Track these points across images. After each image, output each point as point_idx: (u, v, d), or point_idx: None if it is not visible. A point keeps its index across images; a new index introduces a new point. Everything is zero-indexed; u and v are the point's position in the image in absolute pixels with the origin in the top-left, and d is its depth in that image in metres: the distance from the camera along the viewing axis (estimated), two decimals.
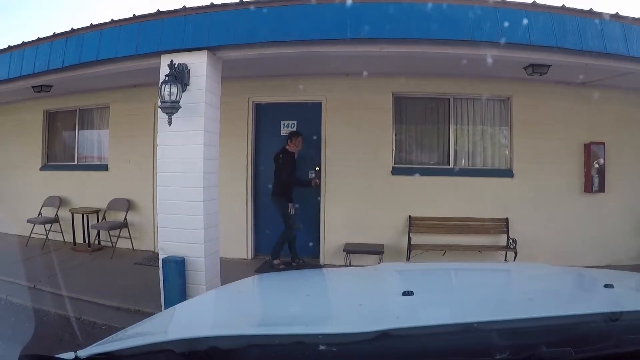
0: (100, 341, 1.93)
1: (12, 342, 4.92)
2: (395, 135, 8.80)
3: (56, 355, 1.62)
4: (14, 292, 6.87)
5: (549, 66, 6.68)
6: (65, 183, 10.65)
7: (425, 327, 1.63)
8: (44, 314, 6.13)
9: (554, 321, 1.63)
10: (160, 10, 6.23)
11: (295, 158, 8.38)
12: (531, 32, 5.66)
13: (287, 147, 8.29)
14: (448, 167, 8.74)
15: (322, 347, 1.52)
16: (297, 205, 8.49)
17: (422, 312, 1.98)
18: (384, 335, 1.49)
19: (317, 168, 8.88)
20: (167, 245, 6.10)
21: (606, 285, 2.08)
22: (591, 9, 5.86)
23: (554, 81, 7.94)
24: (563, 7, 5.82)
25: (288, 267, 8.25)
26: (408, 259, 8.12)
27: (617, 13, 5.92)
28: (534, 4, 5.79)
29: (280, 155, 8.26)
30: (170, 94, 5.63)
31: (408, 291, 2.03)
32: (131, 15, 6.40)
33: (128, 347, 1.69)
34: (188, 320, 2.29)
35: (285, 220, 8.34)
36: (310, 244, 8.85)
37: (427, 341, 1.57)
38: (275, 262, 8.31)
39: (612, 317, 1.58)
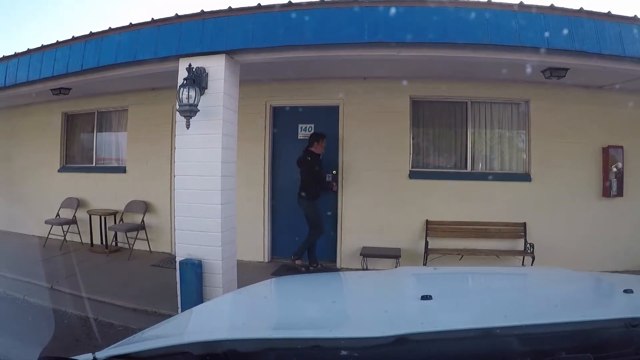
0: (118, 343, 1.94)
1: (29, 342, 4.97)
2: (412, 139, 8.77)
3: (74, 357, 1.64)
4: (31, 292, 6.94)
5: (567, 69, 6.64)
6: (83, 185, 10.73)
7: (444, 332, 1.63)
8: (62, 315, 6.17)
9: (573, 326, 1.63)
10: (179, 14, 6.25)
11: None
12: (549, 35, 5.62)
13: (312, 148, 8.23)
14: (465, 171, 8.70)
15: (340, 351, 1.52)
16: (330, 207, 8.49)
17: (440, 317, 1.98)
18: (402, 339, 1.49)
19: (335, 172, 8.86)
20: (187, 248, 6.13)
21: (625, 291, 2.06)
22: (609, 12, 5.82)
23: (572, 84, 7.87)
24: (581, 10, 5.77)
25: (307, 270, 8.21)
26: (425, 263, 8.09)
27: (635, 16, 5.87)
28: (551, 7, 5.75)
29: (309, 158, 8.18)
30: (188, 98, 5.66)
31: (426, 295, 2.03)
32: (149, 19, 6.43)
33: (146, 349, 1.71)
34: (205, 323, 2.30)
35: (314, 223, 8.27)
36: (328, 247, 8.85)
37: (446, 346, 1.57)
38: (298, 262, 8.27)
39: (632, 323, 1.57)
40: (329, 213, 8.78)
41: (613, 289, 2.57)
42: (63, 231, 10.08)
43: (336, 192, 8.80)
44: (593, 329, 1.63)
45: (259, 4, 5.95)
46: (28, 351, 4.71)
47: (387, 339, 1.49)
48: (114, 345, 1.91)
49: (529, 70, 6.79)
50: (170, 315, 5.55)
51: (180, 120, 5.90)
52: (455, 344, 1.57)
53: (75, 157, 11.34)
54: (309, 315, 2.17)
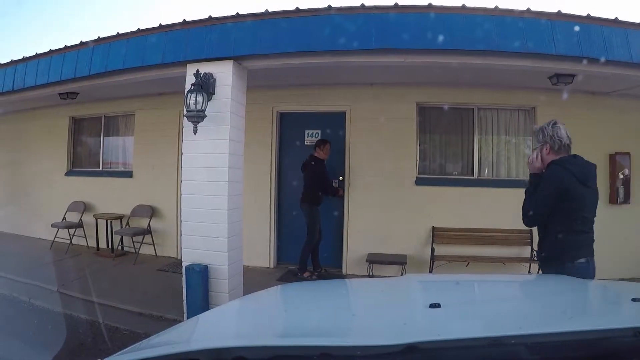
0: (125, 349, 1.94)
1: (34, 345, 4.98)
2: (419, 145, 8.76)
3: None
4: (37, 295, 6.96)
5: (573, 76, 6.62)
6: (90, 189, 10.78)
7: (454, 341, 1.62)
8: (67, 318, 6.17)
9: (581, 335, 1.61)
10: (186, 19, 6.27)
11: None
12: (556, 42, 5.61)
13: (316, 154, 8.25)
14: (472, 177, 8.68)
15: (349, 359, 1.52)
16: (336, 213, 8.47)
17: (450, 325, 1.96)
18: (411, 348, 1.48)
19: (341, 178, 8.88)
20: (193, 253, 6.14)
21: (634, 299, 2.05)
22: (616, 18, 5.80)
23: (580, 91, 7.86)
24: (588, 17, 5.77)
25: (318, 277, 8.23)
26: (431, 270, 8.06)
27: None
28: (559, 14, 5.74)
29: (312, 163, 8.20)
30: (196, 103, 5.67)
31: (435, 303, 2.02)
32: (157, 25, 6.45)
33: (154, 357, 1.71)
34: (213, 330, 2.29)
35: (311, 229, 8.26)
36: (333, 253, 8.85)
37: (456, 354, 1.55)
38: (305, 274, 8.24)
39: None
40: (335, 219, 8.78)
41: (621, 297, 2.56)
42: (69, 235, 10.13)
43: (342, 198, 8.80)
44: (602, 338, 1.61)
45: (267, 10, 5.95)
46: (33, 354, 4.73)
47: (397, 347, 1.48)
48: (121, 352, 1.91)
49: (535, 76, 6.79)
50: (176, 320, 5.57)
51: (187, 125, 5.91)
52: (465, 353, 1.55)
53: (82, 161, 11.39)
54: (317, 323, 2.15)
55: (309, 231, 8.27)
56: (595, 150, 8.23)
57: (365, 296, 2.88)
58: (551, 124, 4.31)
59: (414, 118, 8.64)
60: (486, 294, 2.92)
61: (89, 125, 11.35)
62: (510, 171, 8.81)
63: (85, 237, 10.44)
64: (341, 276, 8.54)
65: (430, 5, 5.74)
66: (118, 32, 6.73)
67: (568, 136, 4.27)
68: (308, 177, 8.29)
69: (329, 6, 5.83)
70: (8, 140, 12.24)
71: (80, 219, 10.46)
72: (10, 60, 8.12)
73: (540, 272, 4.45)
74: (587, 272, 3.84)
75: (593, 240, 4.26)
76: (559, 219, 4.03)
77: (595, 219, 4.15)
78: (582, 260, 3.99)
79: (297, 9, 5.87)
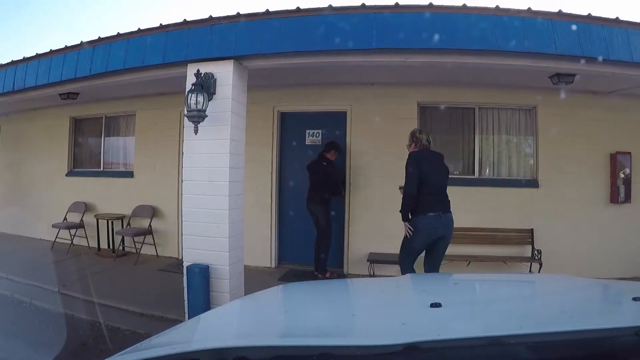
0: (126, 350, 1.93)
1: (35, 346, 4.98)
2: None
3: None
4: (38, 296, 6.95)
5: (574, 75, 6.61)
6: (91, 189, 10.79)
7: (455, 340, 1.61)
8: (68, 318, 6.17)
9: (581, 335, 1.60)
10: (187, 19, 6.26)
11: None
12: (557, 41, 5.60)
13: (327, 154, 8.19)
14: (473, 177, 8.67)
15: (350, 359, 1.51)
16: (333, 213, 8.49)
17: (450, 325, 1.96)
18: (412, 347, 1.47)
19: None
20: (194, 253, 6.13)
21: (635, 299, 2.03)
22: (617, 18, 5.79)
23: (580, 90, 7.83)
24: (589, 16, 5.76)
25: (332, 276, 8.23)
26: None
27: None
28: (560, 13, 5.73)
29: (324, 163, 8.14)
30: (196, 103, 5.65)
31: (436, 303, 2.02)
32: (158, 25, 6.44)
33: (154, 357, 1.70)
34: (214, 330, 2.28)
35: (325, 228, 8.20)
36: (334, 253, 8.80)
37: (456, 354, 1.55)
38: (327, 275, 8.20)
39: None
40: (336, 219, 8.75)
41: (622, 296, 2.53)
42: (70, 235, 10.13)
43: (343, 198, 8.79)
44: (602, 337, 1.60)
45: (267, 10, 5.94)
46: (34, 355, 4.73)
47: (397, 347, 1.47)
48: (122, 352, 1.90)
49: (536, 76, 6.78)
50: (177, 321, 5.56)
51: (188, 125, 5.89)
52: (466, 353, 1.54)
53: (83, 162, 11.41)
54: (318, 322, 2.14)
55: (323, 231, 8.22)
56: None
57: (366, 296, 2.87)
58: (417, 131, 6.53)
59: (415, 117, 8.62)
60: (487, 294, 2.91)
61: (89, 125, 11.36)
62: (511, 171, 8.81)
63: (87, 237, 10.45)
64: (342, 276, 8.54)
65: (431, 4, 5.73)
66: (118, 32, 6.72)
67: (427, 140, 6.41)
68: (320, 177, 8.21)
69: (330, 6, 5.82)
70: (9, 141, 12.28)
71: (81, 220, 10.47)
72: (10, 60, 8.12)
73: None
74: (439, 222, 6.17)
75: (444, 201, 6.30)
76: (420, 188, 6.12)
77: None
78: (433, 213, 6.11)
79: (298, 8, 5.86)
